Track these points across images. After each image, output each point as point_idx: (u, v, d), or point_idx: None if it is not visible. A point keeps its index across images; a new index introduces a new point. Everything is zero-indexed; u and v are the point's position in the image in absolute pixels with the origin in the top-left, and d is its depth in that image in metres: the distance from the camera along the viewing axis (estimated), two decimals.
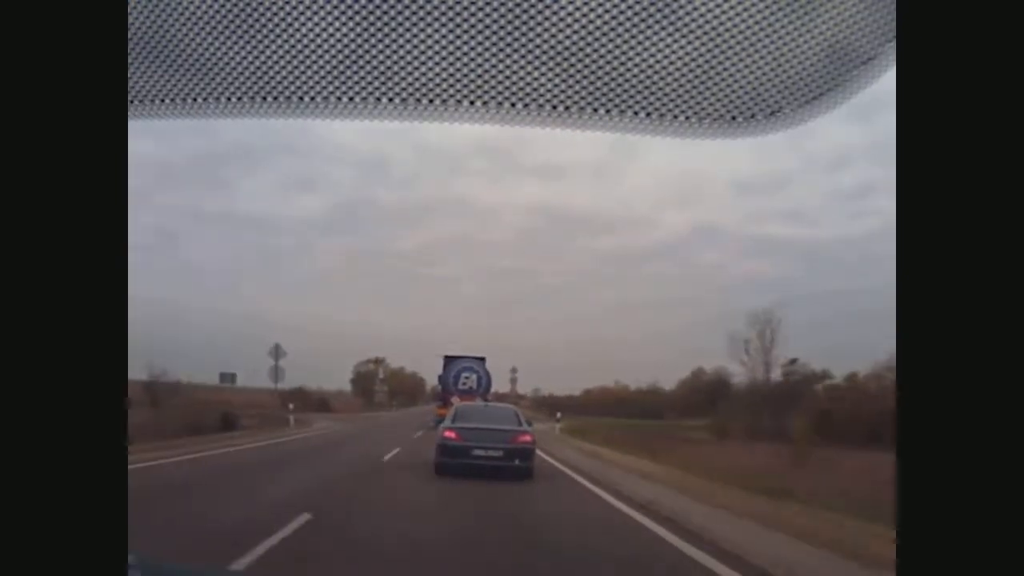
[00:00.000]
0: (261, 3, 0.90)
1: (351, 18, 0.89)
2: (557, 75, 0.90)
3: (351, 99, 0.94)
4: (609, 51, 0.89)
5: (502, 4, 0.86)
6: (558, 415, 30.23)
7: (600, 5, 0.86)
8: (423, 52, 0.90)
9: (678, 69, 0.90)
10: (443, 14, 0.87)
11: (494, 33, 0.88)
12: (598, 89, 0.91)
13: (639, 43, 0.88)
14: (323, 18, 0.90)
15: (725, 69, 0.90)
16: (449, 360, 27.34)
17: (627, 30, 0.87)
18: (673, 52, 0.88)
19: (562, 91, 0.91)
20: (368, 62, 0.91)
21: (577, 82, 0.91)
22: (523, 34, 0.88)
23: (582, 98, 0.92)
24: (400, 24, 0.89)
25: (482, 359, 27.54)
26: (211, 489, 8.84)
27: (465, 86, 0.91)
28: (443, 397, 26.65)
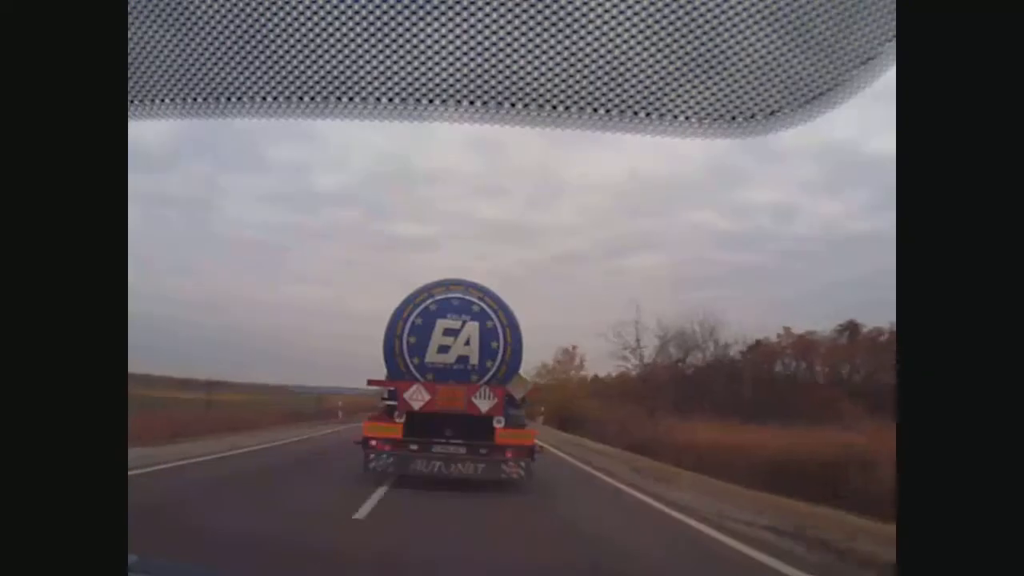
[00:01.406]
0: (261, 3, 0.90)
1: (351, 17, 0.89)
2: (557, 75, 0.90)
3: (351, 99, 0.94)
4: (609, 51, 0.89)
5: (502, 4, 0.86)
6: None
7: (600, 5, 0.86)
8: (423, 52, 0.90)
9: (677, 69, 0.89)
10: (443, 13, 0.87)
11: (494, 33, 0.88)
12: (597, 89, 0.91)
13: (638, 43, 0.88)
14: (323, 17, 0.90)
15: (725, 69, 0.90)
16: (409, 300, 9.54)
17: (627, 30, 0.87)
18: (672, 52, 0.88)
19: (561, 91, 0.91)
20: (368, 62, 0.91)
21: (577, 82, 0.91)
22: (523, 34, 0.88)
23: (581, 98, 0.92)
24: (401, 23, 0.89)
25: (493, 294, 9.62)
26: None
27: (465, 86, 0.91)
28: (386, 390, 9.57)
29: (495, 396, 9.09)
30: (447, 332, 9.32)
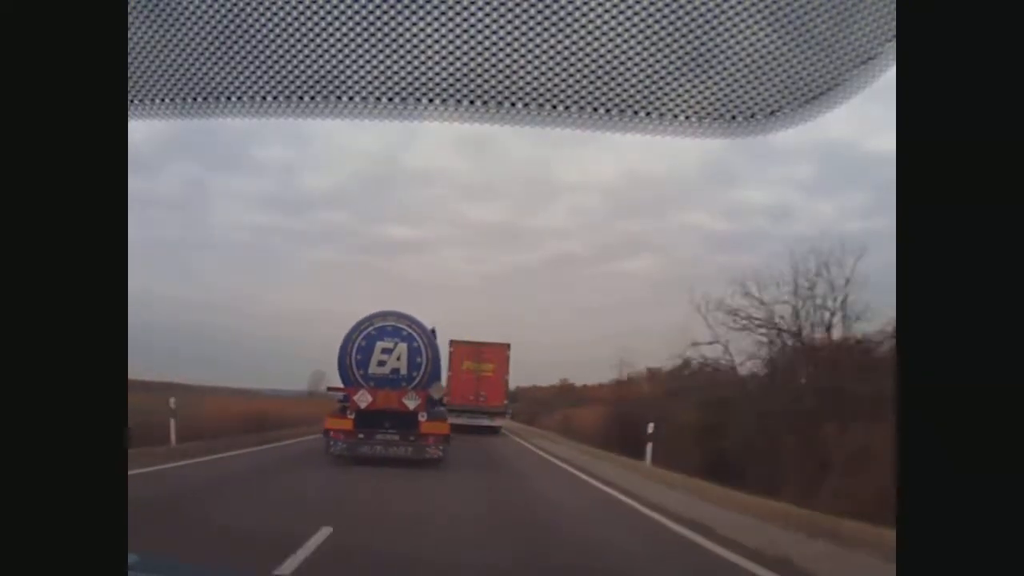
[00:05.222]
0: (261, 3, 0.90)
1: (351, 17, 0.89)
2: (553, 73, 0.90)
3: (351, 98, 0.94)
4: (608, 50, 0.88)
5: (502, 4, 0.86)
6: None
7: (600, 4, 0.86)
8: (422, 51, 0.90)
9: (676, 67, 0.89)
10: (443, 13, 0.87)
11: (494, 32, 0.88)
12: (595, 87, 0.91)
13: (637, 41, 0.88)
14: (323, 17, 0.90)
15: (724, 68, 0.89)
16: (356, 327, 12.72)
17: (626, 28, 0.87)
18: (672, 50, 0.88)
19: (561, 91, 0.91)
20: (368, 61, 0.91)
21: (577, 81, 0.91)
22: (523, 33, 0.88)
23: (581, 97, 0.92)
24: (400, 23, 0.89)
25: (419, 322, 12.90)
26: None
27: (465, 85, 0.91)
28: (343, 394, 12.90)
29: (419, 398, 12.30)
30: (384, 351, 12.58)
